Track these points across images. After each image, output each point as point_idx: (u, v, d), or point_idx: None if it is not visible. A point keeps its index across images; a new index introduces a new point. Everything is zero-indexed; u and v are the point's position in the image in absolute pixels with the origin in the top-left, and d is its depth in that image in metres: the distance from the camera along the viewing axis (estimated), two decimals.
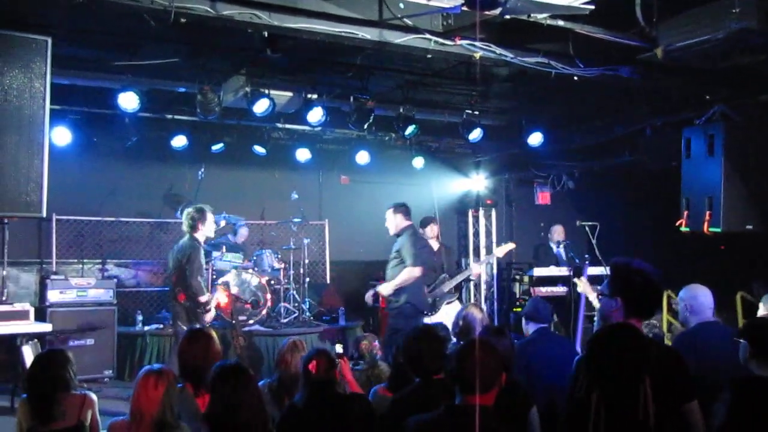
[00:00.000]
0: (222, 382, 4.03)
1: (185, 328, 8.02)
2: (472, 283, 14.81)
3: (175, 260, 8.48)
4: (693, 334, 5.48)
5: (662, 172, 10.55)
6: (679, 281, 6.13)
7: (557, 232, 12.45)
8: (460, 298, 13.94)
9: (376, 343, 7.14)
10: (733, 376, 4.42)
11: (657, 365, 3.72)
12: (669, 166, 9.33)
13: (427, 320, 10.07)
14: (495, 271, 14.72)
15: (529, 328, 6.49)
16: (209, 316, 8.47)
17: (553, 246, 12.52)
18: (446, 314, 10.25)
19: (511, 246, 11.05)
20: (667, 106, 9.79)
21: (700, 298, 5.57)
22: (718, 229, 7.99)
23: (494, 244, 14.90)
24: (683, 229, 8.39)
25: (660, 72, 7.83)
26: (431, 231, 10.83)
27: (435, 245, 10.75)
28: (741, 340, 4.55)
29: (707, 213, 8.03)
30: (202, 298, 8.33)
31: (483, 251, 14.87)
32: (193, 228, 8.46)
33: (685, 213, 8.34)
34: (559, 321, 11.14)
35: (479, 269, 10.68)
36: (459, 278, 10.63)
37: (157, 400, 4.42)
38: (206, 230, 8.60)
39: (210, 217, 8.58)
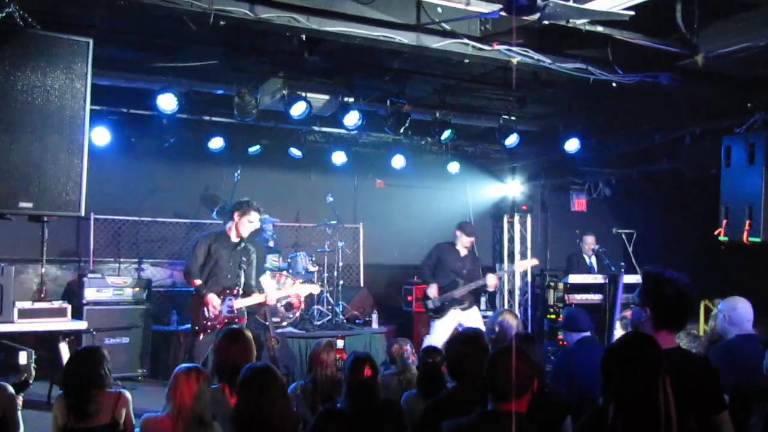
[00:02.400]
0: (248, 384, 4.04)
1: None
2: (506, 290, 14.77)
3: None
4: (730, 346, 5.42)
5: (701, 181, 10.44)
6: (718, 291, 6.07)
7: (588, 243, 12.38)
8: (493, 306, 13.98)
9: (407, 347, 7.09)
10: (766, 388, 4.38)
11: (689, 375, 3.68)
12: (708, 174, 9.22)
13: (438, 323, 10.15)
14: (529, 278, 14.64)
15: (571, 338, 6.44)
16: (211, 300, 8.08)
17: (586, 257, 12.45)
18: (453, 320, 10.27)
19: (534, 262, 11.13)
20: (707, 114, 9.69)
21: (739, 309, 5.51)
22: (758, 239, 7.88)
23: (529, 250, 14.85)
24: (722, 238, 8.29)
25: (700, 79, 7.76)
26: (465, 239, 10.75)
27: (463, 251, 10.69)
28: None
29: (747, 222, 7.93)
30: (196, 281, 8.23)
31: (518, 257, 14.77)
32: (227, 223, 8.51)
33: (724, 222, 8.24)
34: (594, 328, 11.06)
35: (494, 280, 10.59)
36: (472, 286, 10.53)
37: (198, 395, 4.48)
38: (240, 226, 8.35)
39: (250, 214, 8.31)
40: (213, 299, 8.04)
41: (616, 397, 3.29)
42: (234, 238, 8.33)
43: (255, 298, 8.32)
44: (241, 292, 8.19)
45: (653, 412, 3.15)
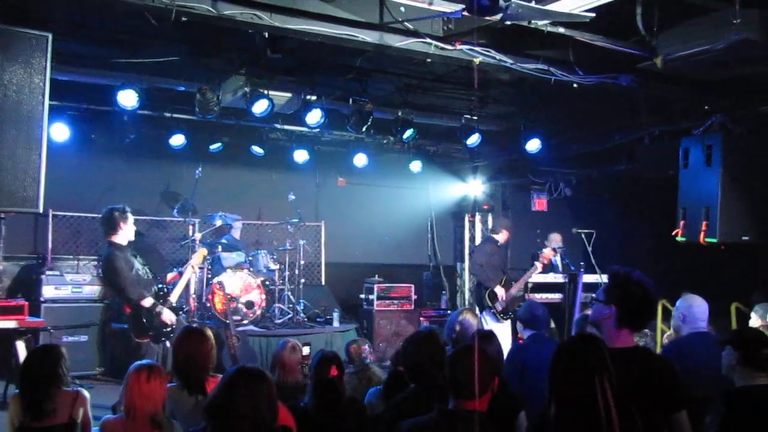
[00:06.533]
0: (237, 382, 3.87)
1: (138, 340, 7.77)
2: (466, 288, 14.85)
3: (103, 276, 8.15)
4: (682, 343, 5.49)
5: (660, 182, 10.58)
6: (675, 291, 6.14)
7: (554, 241, 12.48)
8: (453, 304, 14.05)
9: (366, 347, 7.13)
10: (724, 388, 4.43)
11: (648, 374, 3.73)
12: (666, 175, 9.35)
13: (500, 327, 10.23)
14: None
15: (525, 333, 6.47)
16: (166, 318, 7.74)
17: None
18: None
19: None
20: (666, 116, 9.80)
21: (694, 308, 5.58)
22: (715, 240, 8.01)
23: None
24: (679, 238, 8.41)
25: (659, 81, 7.85)
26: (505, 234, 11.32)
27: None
28: (725, 348, 4.55)
29: (704, 223, 8.06)
30: (145, 303, 7.69)
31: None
32: (113, 231, 7.87)
33: (682, 223, 8.36)
34: (555, 327, 11.15)
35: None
36: (526, 278, 10.84)
37: (150, 394, 4.42)
38: (128, 232, 7.94)
39: (131, 217, 7.95)
40: (170, 316, 7.75)
41: (556, 396, 3.32)
42: (126, 244, 7.92)
43: (184, 278, 8.21)
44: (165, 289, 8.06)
45: (592, 412, 3.17)
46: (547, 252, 11.06)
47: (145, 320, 7.71)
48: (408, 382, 4.84)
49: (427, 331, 5.38)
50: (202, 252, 8.85)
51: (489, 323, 10.47)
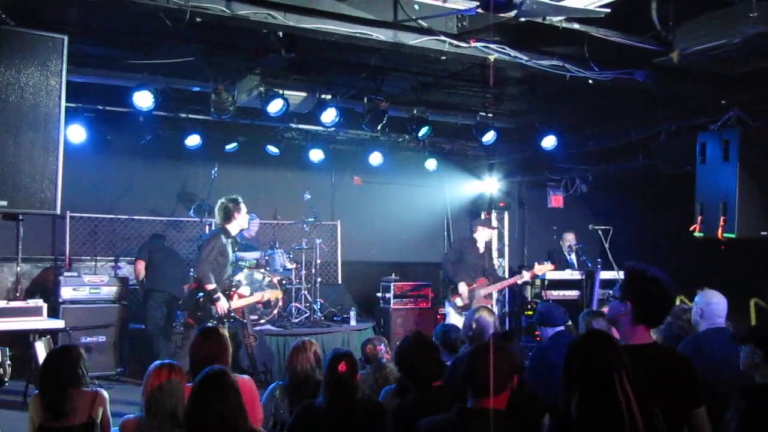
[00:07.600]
0: (202, 388, 3.89)
1: (189, 320, 8.05)
2: None
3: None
4: (700, 338, 5.46)
5: (676, 177, 10.51)
6: (692, 287, 6.11)
7: (568, 240, 12.45)
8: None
9: (381, 346, 7.09)
10: (743, 384, 4.39)
11: (666, 371, 3.71)
12: (683, 170, 9.29)
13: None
14: (507, 274, 14.69)
15: (546, 333, 6.43)
16: (221, 306, 7.97)
17: (566, 253, 12.51)
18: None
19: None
20: (682, 111, 9.75)
21: (713, 304, 5.55)
22: (733, 235, 7.95)
23: (506, 247, 14.93)
24: (697, 234, 8.35)
25: (675, 76, 7.81)
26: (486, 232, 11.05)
27: (482, 248, 10.89)
28: (744, 346, 4.50)
29: (721, 218, 8.00)
30: (209, 286, 7.96)
31: (495, 254, 14.82)
32: (227, 220, 8.24)
33: (699, 218, 8.31)
34: (572, 325, 11.13)
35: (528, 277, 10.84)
36: (503, 285, 10.94)
37: (170, 392, 4.42)
38: (241, 221, 8.35)
39: (243, 207, 8.31)
40: (224, 305, 7.98)
41: (577, 395, 3.31)
42: (235, 234, 8.36)
43: (248, 300, 8.42)
44: (238, 293, 8.18)
45: (613, 410, 3.16)
46: (537, 268, 10.82)
47: (201, 300, 7.98)
48: (409, 383, 4.83)
49: (417, 333, 5.35)
50: (277, 294, 8.93)
51: (450, 314, 10.59)
